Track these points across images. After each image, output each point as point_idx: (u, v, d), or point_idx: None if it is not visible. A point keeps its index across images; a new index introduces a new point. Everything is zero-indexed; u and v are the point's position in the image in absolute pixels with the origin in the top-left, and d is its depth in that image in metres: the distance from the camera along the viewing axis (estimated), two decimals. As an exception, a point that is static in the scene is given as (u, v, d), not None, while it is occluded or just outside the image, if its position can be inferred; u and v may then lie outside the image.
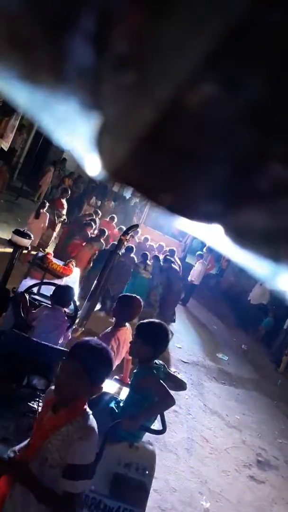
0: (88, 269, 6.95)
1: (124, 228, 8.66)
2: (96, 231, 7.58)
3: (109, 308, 6.23)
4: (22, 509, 1.42)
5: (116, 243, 4.30)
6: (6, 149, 9.59)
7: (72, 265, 4.98)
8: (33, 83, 0.25)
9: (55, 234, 7.75)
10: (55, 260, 4.69)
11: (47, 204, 7.52)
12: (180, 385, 2.51)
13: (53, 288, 3.28)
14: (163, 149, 0.25)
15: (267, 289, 10.49)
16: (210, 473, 4.02)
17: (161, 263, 7.66)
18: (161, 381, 2.17)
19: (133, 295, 2.93)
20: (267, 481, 4.44)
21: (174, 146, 0.24)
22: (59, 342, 2.94)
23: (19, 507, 1.42)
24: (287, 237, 0.26)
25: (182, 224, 0.29)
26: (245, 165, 0.24)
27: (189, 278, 9.74)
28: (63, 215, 8.14)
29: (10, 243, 3.12)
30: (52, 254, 4.98)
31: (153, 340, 2.21)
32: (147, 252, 7.76)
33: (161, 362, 2.35)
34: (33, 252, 5.70)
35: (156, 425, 2.41)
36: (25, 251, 4.01)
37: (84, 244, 7.15)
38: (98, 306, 5.79)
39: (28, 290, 3.42)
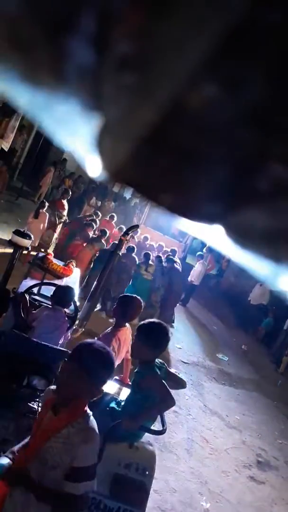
0: (89, 270, 6.95)
1: (124, 228, 8.68)
2: (97, 232, 7.57)
3: (110, 309, 6.22)
4: (22, 509, 1.42)
5: (116, 242, 4.30)
6: (6, 150, 9.60)
7: (72, 265, 4.98)
8: (34, 84, 0.25)
9: (56, 235, 7.75)
10: (55, 261, 4.69)
11: (47, 204, 7.52)
12: (180, 384, 2.52)
13: (53, 288, 3.28)
14: (163, 150, 0.25)
15: (267, 290, 10.50)
16: (210, 474, 4.01)
17: (164, 263, 7.61)
18: (162, 381, 2.18)
19: (134, 295, 2.93)
20: (267, 481, 4.44)
21: (175, 147, 0.24)
22: (59, 342, 2.94)
23: (19, 507, 1.42)
24: (287, 237, 0.26)
25: (183, 224, 0.29)
26: (245, 166, 0.24)
27: (189, 279, 9.74)
28: (64, 216, 8.13)
29: (10, 243, 3.12)
30: (52, 255, 4.98)
31: (154, 340, 2.22)
32: (149, 252, 7.73)
33: (161, 361, 2.35)
34: (33, 253, 5.70)
35: (156, 425, 2.41)
36: (25, 252, 4.01)
37: (84, 244, 7.15)
38: (98, 307, 5.79)
39: (28, 290, 3.42)
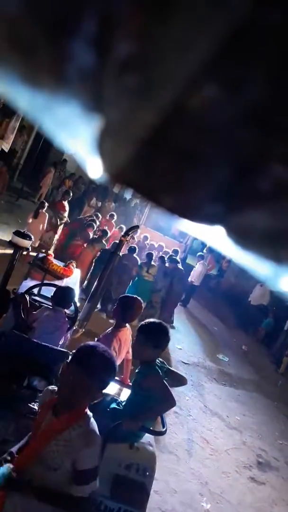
0: (90, 271, 6.93)
1: (124, 227, 8.67)
2: (98, 232, 7.56)
3: (110, 311, 6.20)
4: (22, 509, 1.41)
5: (117, 241, 4.29)
6: (6, 150, 9.60)
7: (73, 266, 4.98)
8: (35, 86, 0.25)
9: (56, 236, 7.75)
10: (55, 261, 4.69)
11: (46, 204, 7.52)
12: (180, 381, 2.52)
13: (53, 289, 3.28)
14: (164, 151, 0.25)
15: (268, 290, 10.49)
16: (210, 475, 4.01)
17: (167, 264, 7.59)
18: (164, 381, 2.18)
19: (134, 296, 2.94)
20: (268, 482, 4.43)
21: (175, 148, 0.24)
22: (60, 343, 2.94)
23: (19, 508, 1.41)
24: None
25: (183, 225, 0.29)
26: (246, 166, 0.24)
27: (189, 279, 9.74)
28: (65, 217, 8.13)
29: (10, 244, 3.12)
30: (53, 255, 4.99)
31: (154, 339, 2.22)
32: (152, 252, 7.71)
33: (161, 360, 2.35)
34: (32, 253, 5.69)
35: (155, 426, 2.40)
36: (24, 252, 4.01)
37: (85, 245, 7.14)
38: (98, 307, 5.79)
39: (29, 291, 3.42)
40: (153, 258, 7.42)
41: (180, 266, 7.88)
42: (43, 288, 3.79)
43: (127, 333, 2.81)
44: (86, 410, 1.51)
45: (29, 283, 3.81)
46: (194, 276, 9.80)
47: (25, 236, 3.12)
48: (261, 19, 0.19)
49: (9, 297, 3.22)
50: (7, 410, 2.27)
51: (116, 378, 2.86)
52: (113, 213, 10.11)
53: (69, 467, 1.44)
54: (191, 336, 8.30)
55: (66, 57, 0.23)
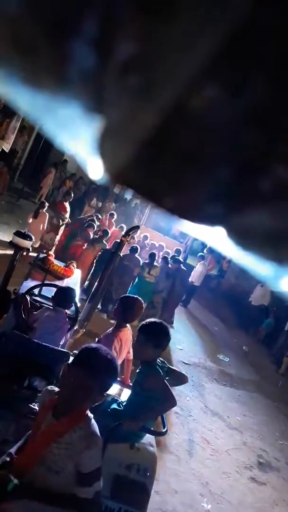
0: (91, 272, 6.92)
1: (125, 227, 8.66)
2: (99, 232, 7.55)
3: (111, 311, 6.19)
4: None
5: (118, 241, 4.29)
6: (7, 151, 9.61)
7: (73, 266, 4.98)
8: (36, 87, 0.25)
9: (58, 237, 7.75)
10: (56, 262, 4.70)
11: (47, 204, 7.52)
12: (181, 379, 2.51)
13: (54, 289, 3.28)
14: (165, 152, 0.25)
15: (268, 290, 10.49)
16: (211, 475, 4.01)
17: (169, 265, 7.56)
18: (165, 381, 2.18)
19: (135, 296, 2.94)
20: (268, 482, 4.43)
21: (176, 149, 0.24)
22: (60, 343, 2.94)
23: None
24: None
25: (184, 225, 0.29)
26: (247, 167, 0.24)
27: (189, 279, 9.74)
28: (66, 218, 8.14)
29: (11, 244, 3.12)
30: (53, 256, 4.99)
31: (155, 339, 2.22)
32: (155, 252, 7.69)
33: (162, 359, 2.35)
34: (32, 254, 5.70)
35: (156, 427, 2.40)
36: (24, 253, 4.02)
37: (85, 245, 7.13)
38: (98, 307, 5.78)
39: (29, 291, 3.42)
40: (156, 258, 7.37)
41: (183, 266, 7.88)
42: (44, 288, 3.79)
43: (127, 333, 2.81)
44: (87, 411, 1.50)
45: (29, 283, 3.81)
46: (195, 277, 9.80)
47: (25, 236, 3.12)
48: (261, 19, 0.19)
49: (10, 297, 3.22)
50: (7, 410, 2.27)
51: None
52: (113, 212, 10.12)
53: (71, 469, 1.43)
54: (192, 336, 8.30)
55: (67, 58, 0.23)
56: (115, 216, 9.72)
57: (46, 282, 4.07)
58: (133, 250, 7.19)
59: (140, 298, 2.86)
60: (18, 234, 3.11)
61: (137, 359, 2.47)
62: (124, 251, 6.51)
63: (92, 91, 0.24)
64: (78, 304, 3.61)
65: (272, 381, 8.08)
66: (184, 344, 7.44)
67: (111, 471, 2.16)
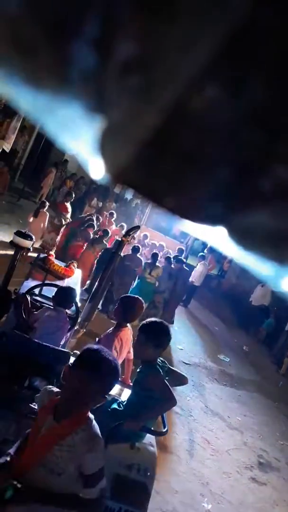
0: (92, 273, 6.91)
1: (125, 225, 8.65)
2: (99, 232, 7.55)
3: (112, 312, 6.17)
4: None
5: (119, 240, 4.29)
6: (7, 151, 9.61)
7: (74, 266, 4.98)
8: (37, 87, 0.25)
9: (59, 238, 7.76)
10: (56, 261, 4.70)
11: (47, 203, 7.53)
12: (181, 380, 2.51)
13: (54, 289, 3.28)
14: (166, 152, 0.25)
15: (269, 291, 10.49)
16: (211, 475, 4.01)
17: (172, 265, 7.55)
18: (165, 380, 2.18)
19: (135, 296, 2.94)
20: (269, 483, 4.43)
21: (177, 149, 0.24)
22: (61, 343, 2.94)
23: None
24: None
25: (185, 225, 0.29)
26: (248, 167, 0.24)
27: (190, 279, 9.74)
28: (68, 218, 8.14)
29: (12, 244, 3.12)
30: (54, 256, 4.99)
31: (155, 339, 2.22)
32: (158, 252, 7.66)
33: (162, 359, 2.35)
34: (33, 254, 5.69)
35: (157, 427, 2.40)
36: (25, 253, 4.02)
37: (85, 245, 7.13)
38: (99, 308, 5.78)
39: (30, 291, 3.42)
40: (158, 257, 7.34)
41: (185, 266, 7.88)
42: (44, 288, 3.79)
43: (128, 333, 2.81)
44: (88, 413, 1.50)
45: (30, 283, 3.81)
46: (195, 277, 9.80)
47: (26, 236, 3.12)
48: (261, 19, 0.19)
49: (11, 297, 3.22)
50: (8, 410, 2.27)
51: (117, 378, 2.85)
52: (112, 211, 10.12)
53: (73, 471, 1.43)
54: (192, 336, 8.30)
55: (68, 58, 0.23)
56: (115, 216, 9.72)
57: (46, 282, 4.07)
58: (135, 250, 7.16)
59: (140, 298, 2.86)
60: (18, 234, 3.11)
61: (138, 359, 2.47)
62: (125, 251, 6.51)
63: (93, 91, 0.24)
64: (79, 304, 3.61)
65: (273, 381, 8.08)
66: (185, 344, 7.44)
67: (111, 471, 2.16)
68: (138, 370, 2.31)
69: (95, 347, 1.57)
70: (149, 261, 7.23)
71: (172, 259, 7.72)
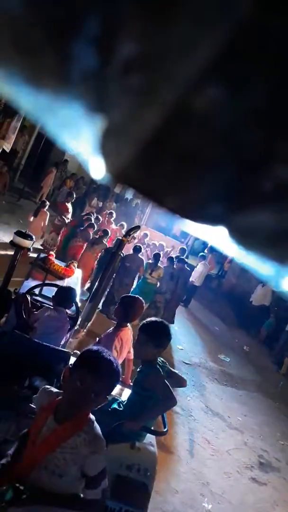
0: (93, 274, 6.90)
1: (125, 225, 8.64)
2: (99, 232, 7.55)
3: (112, 313, 6.15)
4: None
5: (120, 238, 4.29)
6: (8, 151, 9.61)
7: (74, 266, 4.98)
8: (38, 87, 0.25)
9: (59, 237, 7.76)
10: (56, 261, 4.70)
11: (47, 203, 7.54)
12: (180, 382, 2.52)
13: (55, 289, 3.28)
14: (167, 151, 0.25)
15: (269, 291, 10.49)
16: (211, 475, 4.01)
17: (174, 265, 7.53)
18: (165, 380, 2.18)
19: (136, 296, 2.94)
20: (269, 483, 4.43)
21: (178, 148, 0.24)
22: (61, 343, 2.94)
23: None
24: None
25: (185, 225, 0.29)
26: (249, 166, 0.24)
27: (190, 279, 9.74)
28: (68, 218, 8.15)
29: (12, 244, 3.13)
30: (54, 255, 4.99)
31: (155, 338, 2.22)
32: (160, 253, 7.65)
33: (163, 359, 2.36)
34: (33, 254, 5.69)
35: (157, 427, 2.40)
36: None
37: (85, 245, 7.13)
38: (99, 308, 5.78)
39: (30, 291, 3.43)
40: (160, 258, 7.32)
41: (187, 266, 7.88)
42: (45, 288, 3.79)
43: (128, 333, 2.81)
44: (89, 414, 1.50)
45: (30, 283, 3.82)
46: (195, 277, 9.80)
47: (26, 236, 3.12)
48: (263, 19, 0.19)
49: (11, 297, 3.23)
50: (8, 410, 2.27)
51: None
52: (112, 211, 10.13)
53: (75, 472, 1.43)
54: (192, 336, 8.30)
55: (69, 58, 0.23)
56: (114, 215, 9.73)
57: (46, 281, 4.07)
58: (137, 250, 7.13)
59: (140, 298, 2.87)
60: (18, 234, 3.11)
61: (138, 359, 2.47)
62: (125, 251, 6.50)
63: (94, 90, 0.24)
64: (79, 304, 3.61)
65: (273, 382, 8.08)
66: (185, 344, 7.45)
67: (111, 471, 2.16)
68: (138, 370, 2.31)
69: (95, 348, 1.57)
70: (150, 261, 7.22)
71: (174, 259, 7.71)
